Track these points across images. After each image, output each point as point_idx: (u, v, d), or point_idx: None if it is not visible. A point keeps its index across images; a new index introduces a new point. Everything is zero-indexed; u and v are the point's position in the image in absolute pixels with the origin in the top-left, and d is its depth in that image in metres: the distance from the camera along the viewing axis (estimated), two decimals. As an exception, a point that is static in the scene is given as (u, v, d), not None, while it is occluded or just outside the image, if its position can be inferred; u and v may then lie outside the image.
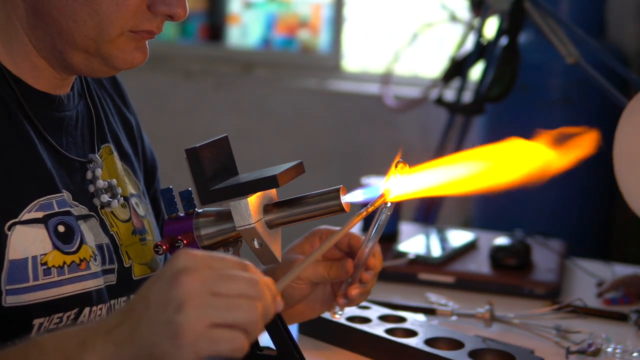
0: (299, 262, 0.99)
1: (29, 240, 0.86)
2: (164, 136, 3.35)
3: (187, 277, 0.68)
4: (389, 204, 0.87)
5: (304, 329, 1.17)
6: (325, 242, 0.84)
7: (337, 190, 0.86)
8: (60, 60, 0.90)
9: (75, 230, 0.90)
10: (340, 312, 1.02)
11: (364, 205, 0.85)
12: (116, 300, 0.94)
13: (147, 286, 0.71)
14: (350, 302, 1.00)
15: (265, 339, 0.90)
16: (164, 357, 0.68)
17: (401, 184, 0.85)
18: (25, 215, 0.86)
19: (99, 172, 0.96)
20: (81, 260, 0.89)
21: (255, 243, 0.86)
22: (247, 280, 0.70)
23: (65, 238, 0.89)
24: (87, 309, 0.89)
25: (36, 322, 0.85)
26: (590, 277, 1.48)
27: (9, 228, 0.85)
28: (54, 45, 0.89)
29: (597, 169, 2.56)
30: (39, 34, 0.89)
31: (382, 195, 0.85)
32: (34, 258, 0.86)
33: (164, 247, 0.87)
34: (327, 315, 1.07)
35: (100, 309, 0.91)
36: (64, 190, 0.91)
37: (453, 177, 0.85)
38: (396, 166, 0.85)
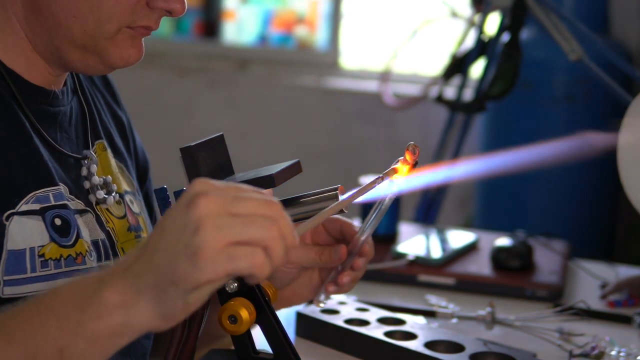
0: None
1: (26, 232, 0.85)
2: (158, 134, 3.33)
3: (202, 199, 0.68)
4: (393, 191, 0.86)
5: (301, 331, 1.16)
6: (343, 196, 0.82)
7: (335, 189, 0.85)
8: (56, 56, 0.90)
9: (72, 224, 0.89)
10: (325, 301, 1.01)
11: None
12: None
13: (163, 217, 0.70)
14: (340, 289, 1.00)
15: (261, 342, 0.88)
16: (183, 279, 0.67)
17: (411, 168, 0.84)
18: (23, 207, 0.86)
19: (94, 168, 0.95)
20: (77, 255, 0.89)
21: (252, 244, 0.84)
22: (263, 201, 0.69)
23: (61, 231, 0.88)
24: None
25: None
26: (593, 279, 1.46)
27: (7, 218, 0.84)
28: (50, 41, 0.88)
29: (601, 168, 2.56)
30: (35, 29, 0.88)
31: (395, 170, 0.83)
32: (32, 249, 0.85)
33: (158, 248, 0.86)
34: (311, 307, 1.06)
35: None
36: (60, 184, 0.90)
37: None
38: (407, 149, 0.83)
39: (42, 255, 0.86)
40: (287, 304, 1.05)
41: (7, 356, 0.69)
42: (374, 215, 0.93)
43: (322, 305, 1.01)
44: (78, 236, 0.90)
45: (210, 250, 0.67)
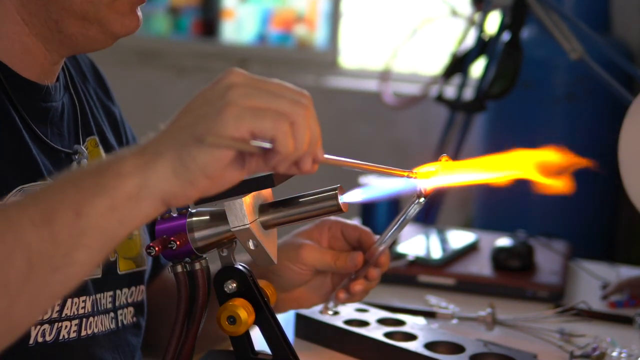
0: (306, 246, 0.98)
1: None
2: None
3: (234, 73, 0.69)
4: (421, 200, 0.84)
5: (300, 332, 1.15)
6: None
7: (335, 189, 0.85)
8: (56, 32, 0.89)
9: None
10: (333, 309, 1.00)
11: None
12: (101, 294, 0.93)
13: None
14: (351, 298, 0.99)
15: (260, 343, 0.88)
16: (205, 133, 0.67)
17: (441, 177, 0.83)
18: (10, 199, 0.85)
19: (84, 162, 0.95)
20: None
21: (251, 244, 0.84)
22: (295, 89, 0.70)
23: None
24: (69, 300, 0.88)
25: None
26: (594, 279, 1.46)
27: None
28: (49, 16, 0.88)
29: (602, 168, 2.54)
30: (32, 8, 0.88)
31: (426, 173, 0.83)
32: None
33: (157, 249, 0.85)
34: (319, 309, 1.06)
35: (84, 301, 0.90)
36: (49, 179, 0.89)
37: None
38: (440, 160, 0.83)
39: None
40: (296, 305, 1.04)
41: (20, 217, 0.66)
42: (395, 227, 0.91)
43: (330, 313, 1.00)
44: None
45: (237, 107, 0.67)
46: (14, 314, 0.65)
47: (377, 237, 0.98)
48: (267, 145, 0.70)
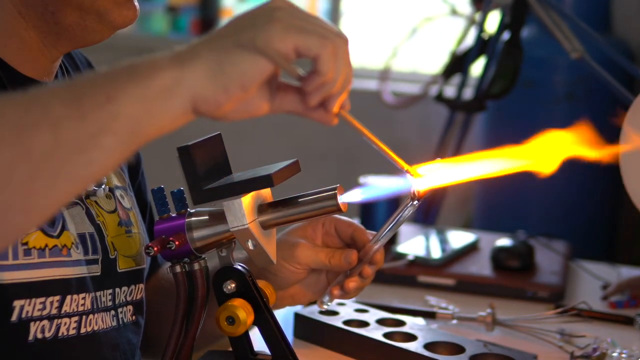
0: (300, 245, 0.97)
1: None
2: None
3: (279, 0, 0.70)
4: (416, 202, 0.84)
5: (299, 332, 1.15)
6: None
7: (334, 189, 0.85)
8: (53, 24, 0.89)
9: (57, 216, 0.88)
10: (329, 303, 1.00)
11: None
12: (101, 292, 0.93)
13: None
14: (345, 295, 0.98)
15: (259, 343, 0.88)
16: (250, 40, 0.67)
17: (433, 178, 0.83)
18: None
19: None
20: (62, 246, 0.88)
21: (250, 244, 0.84)
22: (336, 27, 0.72)
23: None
24: (68, 297, 0.88)
25: (17, 303, 0.84)
26: (595, 280, 1.46)
27: None
28: (45, 7, 0.88)
29: (602, 167, 2.54)
30: (28, 0, 0.88)
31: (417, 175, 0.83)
32: None
33: (155, 249, 0.85)
34: (310, 308, 1.06)
35: (83, 298, 0.90)
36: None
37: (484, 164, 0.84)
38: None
39: (26, 244, 0.85)
40: (291, 302, 1.04)
41: (50, 97, 0.65)
42: (391, 226, 0.91)
43: (325, 307, 1.00)
44: (63, 228, 0.89)
45: (284, 22, 0.67)
46: (34, 187, 0.63)
47: (371, 233, 0.98)
48: (303, 72, 0.71)
